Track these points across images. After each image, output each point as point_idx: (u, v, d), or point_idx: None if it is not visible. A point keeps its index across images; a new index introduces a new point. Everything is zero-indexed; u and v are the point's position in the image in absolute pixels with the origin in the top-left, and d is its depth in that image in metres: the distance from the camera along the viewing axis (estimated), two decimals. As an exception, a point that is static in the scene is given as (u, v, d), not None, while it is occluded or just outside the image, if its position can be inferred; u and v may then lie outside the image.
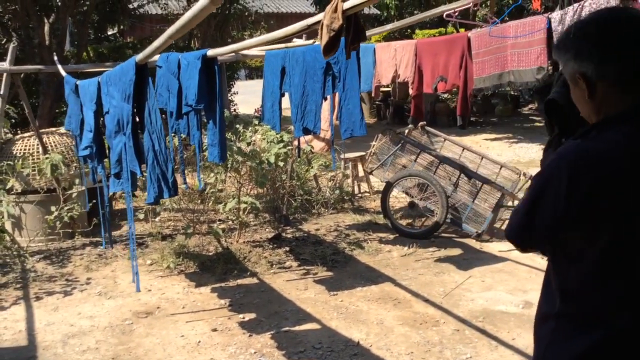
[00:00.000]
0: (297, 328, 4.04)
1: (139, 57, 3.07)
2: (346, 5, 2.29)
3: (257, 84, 21.63)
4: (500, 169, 6.31)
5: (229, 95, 13.78)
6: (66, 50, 12.22)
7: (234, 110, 13.65)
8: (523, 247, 1.49)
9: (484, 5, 4.38)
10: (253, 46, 3.56)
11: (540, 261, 5.14)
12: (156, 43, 2.65)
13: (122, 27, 15.70)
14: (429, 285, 4.70)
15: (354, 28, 2.39)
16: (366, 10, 15.97)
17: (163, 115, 3.97)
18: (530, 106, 16.22)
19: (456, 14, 4.15)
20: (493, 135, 12.54)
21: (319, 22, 2.48)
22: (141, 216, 6.35)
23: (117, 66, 3.38)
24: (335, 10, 2.32)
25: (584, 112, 1.42)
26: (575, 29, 1.39)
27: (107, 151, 4.18)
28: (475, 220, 5.73)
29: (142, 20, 15.99)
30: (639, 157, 1.28)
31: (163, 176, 3.22)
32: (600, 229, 1.30)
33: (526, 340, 3.75)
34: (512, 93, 14.67)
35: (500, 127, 13.54)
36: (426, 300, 4.41)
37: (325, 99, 4.91)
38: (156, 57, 4.69)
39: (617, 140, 1.29)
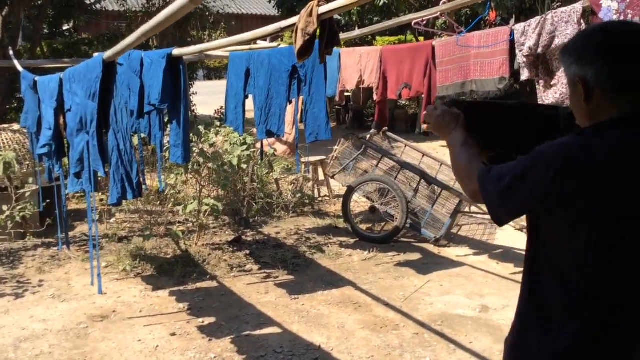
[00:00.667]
0: (258, 332, 4.01)
1: (107, 54, 2.99)
2: (322, 9, 2.30)
3: (215, 85, 21.42)
4: (459, 175, 6.42)
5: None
6: (19, 45, 11.81)
7: (193, 111, 13.49)
8: (496, 213, 1.47)
9: (443, 15, 4.46)
10: (222, 47, 3.53)
11: (495, 266, 5.26)
12: (128, 40, 2.59)
13: (77, 22, 15.28)
14: (389, 289, 4.74)
15: (328, 32, 2.40)
16: (327, 16, 16.03)
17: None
18: (485, 115, 16.59)
19: (424, 22, 4.23)
20: (450, 143, 12.76)
21: (292, 25, 2.48)
22: (95, 217, 6.19)
23: (81, 63, 3.28)
24: (311, 15, 2.33)
25: (579, 116, 1.47)
26: (584, 35, 1.47)
27: (66, 149, 4.04)
28: (434, 225, 5.82)
29: (99, 17, 15.61)
30: (630, 162, 1.33)
31: (127, 177, 3.14)
32: (582, 229, 1.34)
33: (483, 344, 3.83)
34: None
35: (457, 135, 13.79)
36: (386, 304, 4.44)
37: (290, 102, 4.92)
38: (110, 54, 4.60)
39: (612, 144, 1.34)
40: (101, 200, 6.47)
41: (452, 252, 5.70)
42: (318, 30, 2.41)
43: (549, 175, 1.33)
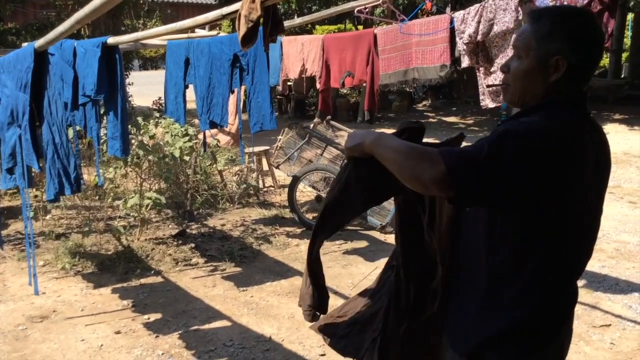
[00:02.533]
0: (206, 326, 3.94)
1: (39, 42, 2.83)
2: (265, -5, 2.25)
3: (152, 75, 20.82)
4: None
5: (124, 86, 13.19)
6: (-62, 33, 11.11)
7: (130, 102, 13.09)
8: (461, 189, 1.33)
9: (385, 3, 4.45)
10: (160, 35, 3.41)
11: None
12: (61, 28, 2.46)
13: (2, 11, 14.49)
14: (337, 277, 4.76)
15: (272, 19, 2.36)
16: (266, 4, 15.86)
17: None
18: (424, 103, 16.91)
19: (367, 10, 4.23)
20: (391, 130, 12.84)
21: (235, 12, 2.42)
22: (30, 214, 5.92)
23: (10, 52, 3.09)
24: (254, 1, 2.28)
25: (530, 91, 1.46)
26: (569, 15, 1.47)
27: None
28: (379, 213, 5.88)
29: (25, 5, 14.89)
30: (583, 138, 1.39)
31: (64, 171, 2.99)
32: (546, 202, 1.38)
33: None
34: (407, 90, 15.23)
35: (397, 122, 13.99)
36: (335, 292, 4.46)
37: (232, 91, 4.82)
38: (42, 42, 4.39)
39: (571, 123, 1.39)
40: (35, 196, 6.19)
41: (397, 238, 5.77)
42: (261, 18, 2.36)
43: (542, 159, 1.32)
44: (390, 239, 5.76)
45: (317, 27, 16.20)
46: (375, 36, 4.75)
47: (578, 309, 1.62)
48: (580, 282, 4.44)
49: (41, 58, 2.92)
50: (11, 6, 13.95)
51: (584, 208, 1.43)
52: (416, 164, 1.37)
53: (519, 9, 3.56)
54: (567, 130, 1.37)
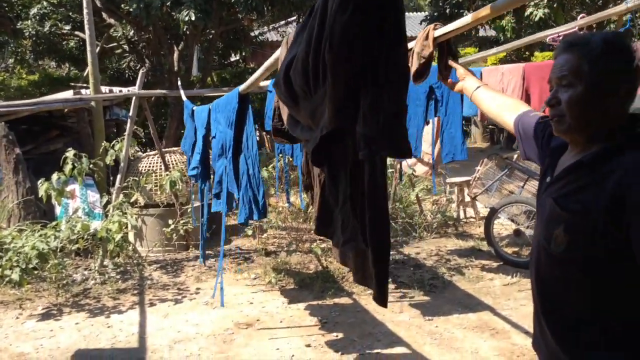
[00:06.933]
0: (388, 350, 4.05)
1: (242, 87, 3.29)
2: (437, 33, 2.35)
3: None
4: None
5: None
6: (193, 75, 13.14)
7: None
8: None
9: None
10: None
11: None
12: (256, 74, 2.85)
13: (244, 53, 16.53)
14: (531, 317, 4.50)
15: (447, 54, 2.44)
16: (482, 33, 15.69)
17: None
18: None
19: (560, 37, 3.99)
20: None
21: (410, 49, 2.54)
22: (249, 232, 6.71)
23: (224, 95, 3.64)
24: (427, 38, 2.39)
25: (591, 117, 1.40)
26: (629, 44, 1.41)
27: (210, 173, 4.45)
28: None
29: (263, 47, 16.79)
30: None
31: (254, 199, 3.40)
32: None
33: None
34: None
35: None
36: (526, 332, 4.23)
37: (427, 122, 4.94)
38: (266, 83, 4.99)
39: None
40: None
41: (607, 281, 5.25)
42: (436, 54, 2.46)
43: None
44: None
45: (536, 53, 15.46)
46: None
47: None
48: None
49: (243, 100, 3.39)
50: (250, 48, 15.88)
51: None
52: None
53: None
54: None
